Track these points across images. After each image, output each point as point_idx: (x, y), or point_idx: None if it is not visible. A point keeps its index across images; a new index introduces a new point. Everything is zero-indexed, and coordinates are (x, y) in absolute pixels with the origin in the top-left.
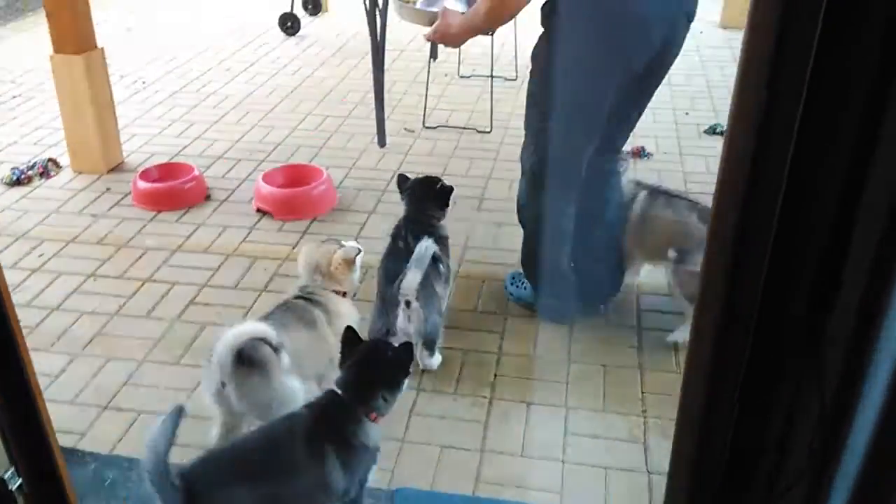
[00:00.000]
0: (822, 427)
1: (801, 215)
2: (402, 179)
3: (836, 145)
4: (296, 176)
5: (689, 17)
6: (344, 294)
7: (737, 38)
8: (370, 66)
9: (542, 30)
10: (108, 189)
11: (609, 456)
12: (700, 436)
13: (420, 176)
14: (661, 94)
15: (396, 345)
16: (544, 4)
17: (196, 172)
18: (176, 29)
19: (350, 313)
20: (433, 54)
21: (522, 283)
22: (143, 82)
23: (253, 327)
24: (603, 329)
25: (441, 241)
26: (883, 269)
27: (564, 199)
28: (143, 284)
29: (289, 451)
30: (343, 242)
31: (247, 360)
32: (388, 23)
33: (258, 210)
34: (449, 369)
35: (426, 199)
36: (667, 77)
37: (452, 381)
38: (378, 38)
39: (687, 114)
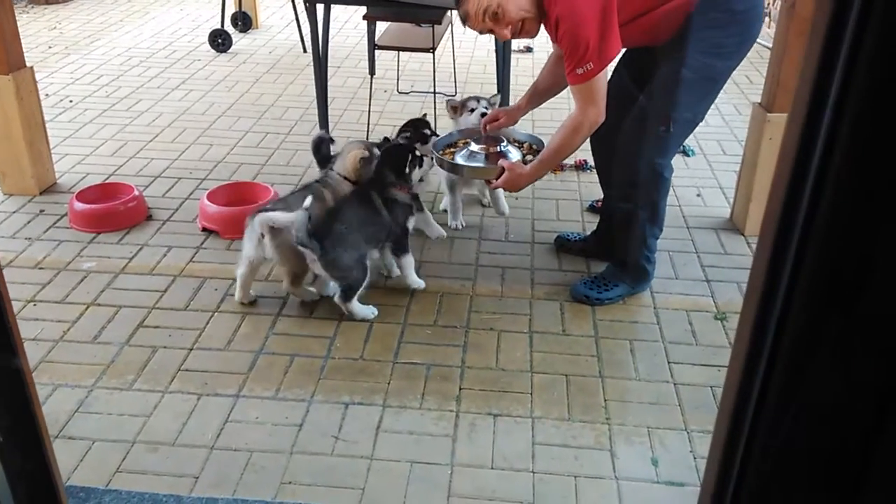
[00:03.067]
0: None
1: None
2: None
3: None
4: (241, 193)
5: None
6: (355, 183)
7: None
8: (306, 82)
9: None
10: (41, 211)
11: (577, 464)
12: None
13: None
14: None
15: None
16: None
17: (136, 192)
18: (99, 47)
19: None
20: (371, 70)
21: (605, 285)
22: (70, 100)
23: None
24: (561, 340)
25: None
26: None
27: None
28: (87, 308)
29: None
30: (374, 150)
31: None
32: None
33: (204, 229)
34: (414, 384)
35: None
36: None
37: (418, 396)
38: (320, 53)
39: None
